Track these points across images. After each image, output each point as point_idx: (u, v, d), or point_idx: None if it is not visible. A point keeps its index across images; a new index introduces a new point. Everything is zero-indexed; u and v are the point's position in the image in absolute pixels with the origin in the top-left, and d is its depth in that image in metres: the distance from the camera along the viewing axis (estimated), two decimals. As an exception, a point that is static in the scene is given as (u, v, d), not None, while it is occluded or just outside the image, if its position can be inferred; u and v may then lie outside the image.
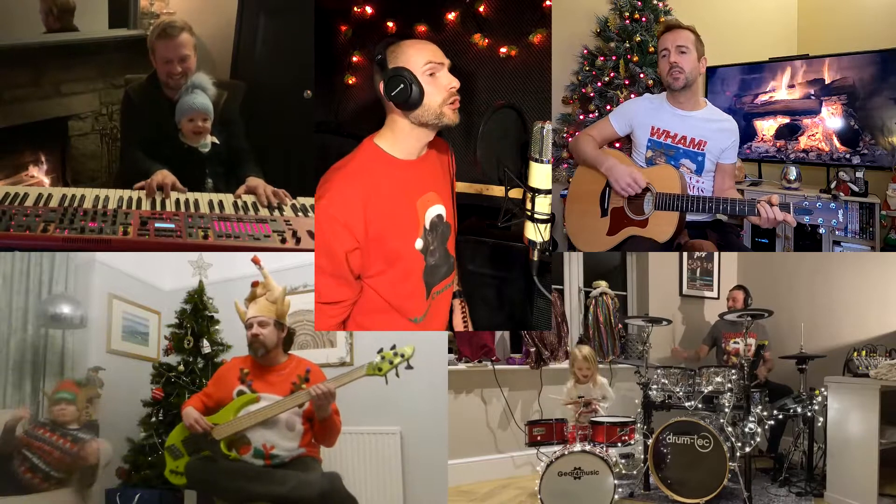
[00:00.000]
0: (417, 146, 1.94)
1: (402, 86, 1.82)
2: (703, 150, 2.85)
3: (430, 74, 1.85)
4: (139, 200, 2.60)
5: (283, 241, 2.46)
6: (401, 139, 1.91)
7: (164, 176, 2.67)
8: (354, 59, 3.57)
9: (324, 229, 1.81)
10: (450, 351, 3.84)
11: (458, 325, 2.37)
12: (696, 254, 4.98)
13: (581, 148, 2.96)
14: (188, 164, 2.77)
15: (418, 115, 1.86)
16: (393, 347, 2.41)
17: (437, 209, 2.01)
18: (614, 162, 2.82)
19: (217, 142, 2.88)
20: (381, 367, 2.40)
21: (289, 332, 2.73)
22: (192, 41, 2.87)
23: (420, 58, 1.85)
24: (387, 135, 1.93)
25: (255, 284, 2.73)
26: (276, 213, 2.67)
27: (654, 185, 2.74)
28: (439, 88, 1.86)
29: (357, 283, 1.92)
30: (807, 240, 4.10)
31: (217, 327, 3.32)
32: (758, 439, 3.36)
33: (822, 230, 2.55)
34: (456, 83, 1.88)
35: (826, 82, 4.17)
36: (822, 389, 3.51)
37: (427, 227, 1.97)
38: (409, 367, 2.41)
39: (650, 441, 3.38)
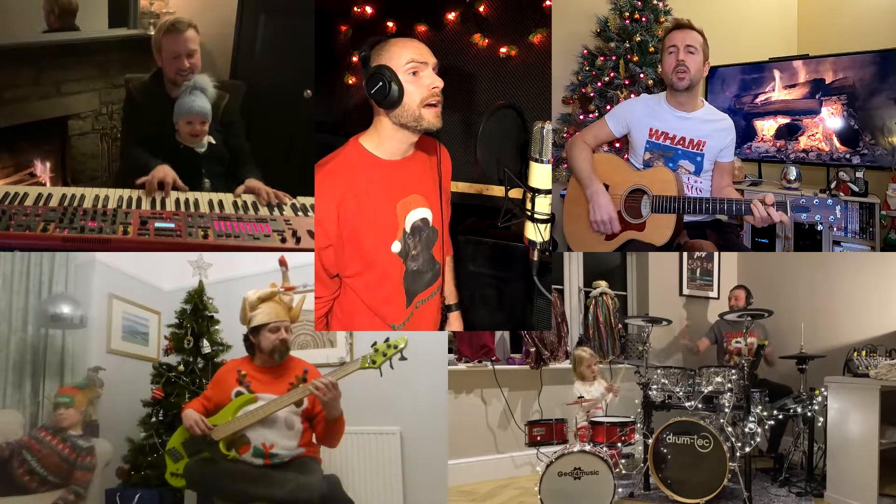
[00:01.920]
0: (401, 147, 1.90)
1: (381, 83, 1.78)
2: (702, 150, 2.84)
3: (413, 73, 1.80)
4: (139, 200, 2.60)
5: (283, 240, 2.46)
6: (385, 139, 1.88)
7: (164, 173, 2.66)
8: (354, 59, 3.57)
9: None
10: (450, 351, 3.84)
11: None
12: (696, 254, 4.98)
13: (574, 159, 2.94)
14: (184, 164, 2.77)
15: (398, 114, 1.82)
16: (386, 340, 2.41)
17: (422, 212, 1.95)
18: (599, 189, 2.81)
19: (213, 142, 2.87)
20: (375, 360, 2.40)
21: None
22: (198, 39, 2.88)
23: (402, 56, 1.80)
24: (372, 134, 1.89)
25: (289, 290, 2.71)
26: (276, 212, 2.67)
27: (651, 188, 2.74)
28: (420, 87, 1.80)
29: (332, 282, 1.92)
30: (807, 240, 4.09)
31: (217, 327, 3.32)
32: (758, 439, 3.36)
33: (820, 227, 2.55)
34: (439, 83, 1.82)
35: (826, 82, 4.17)
36: (822, 389, 3.51)
37: (407, 230, 1.92)
38: (403, 357, 2.41)
39: (650, 441, 3.38)
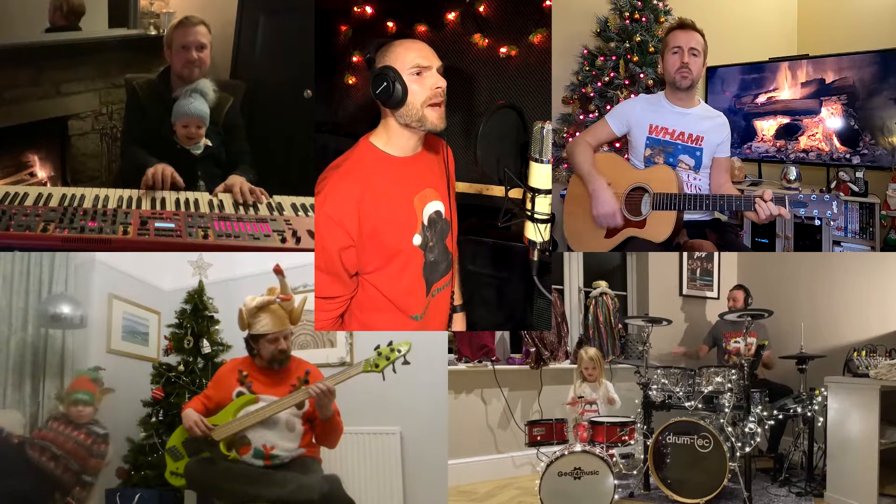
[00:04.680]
0: (410, 144, 1.94)
1: (385, 84, 1.82)
2: (700, 145, 2.88)
3: (417, 74, 1.84)
4: (139, 200, 2.59)
5: (283, 240, 2.46)
6: (393, 138, 1.92)
7: (163, 170, 2.65)
8: (354, 59, 3.58)
9: (319, 227, 1.84)
10: (450, 351, 3.84)
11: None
12: (696, 254, 4.98)
13: (576, 158, 2.97)
14: (180, 165, 2.76)
15: (402, 114, 1.86)
16: (389, 343, 2.41)
17: (436, 205, 2.01)
18: (601, 186, 2.83)
19: (210, 144, 2.87)
20: (378, 364, 2.40)
21: None
22: (209, 36, 2.88)
23: (407, 57, 1.84)
24: (381, 133, 1.93)
25: (286, 300, 2.69)
26: (276, 212, 2.66)
27: (652, 186, 2.75)
28: (424, 87, 1.84)
29: (352, 281, 1.93)
30: (807, 240, 4.10)
31: (217, 327, 3.32)
32: (758, 439, 3.36)
33: (818, 221, 2.59)
34: (442, 83, 1.86)
35: (826, 82, 4.17)
36: (822, 389, 3.51)
37: (425, 222, 1.97)
38: (406, 362, 2.41)
39: (650, 441, 3.38)
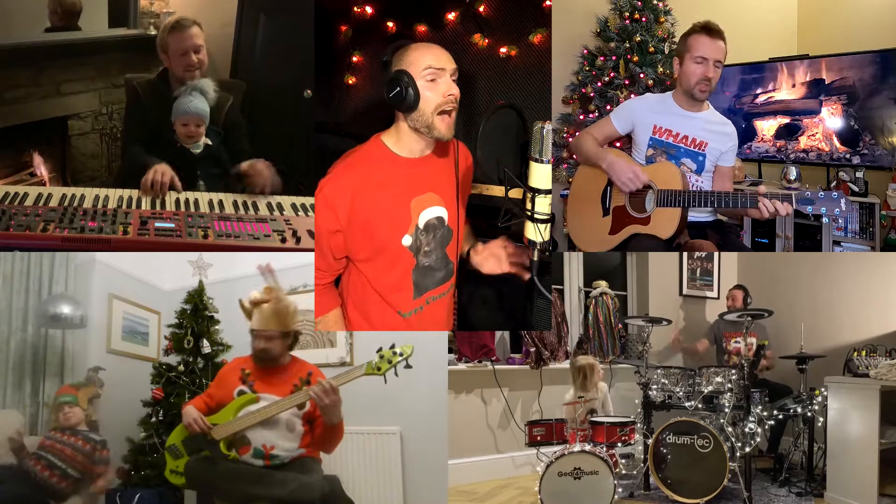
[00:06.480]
0: (418, 147, 1.97)
1: (398, 88, 1.85)
2: (703, 150, 2.85)
3: (431, 80, 1.87)
4: (139, 200, 2.60)
5: (283, 240, 2.46)
6: (403, 139, 1.96)
7: (162, 173, 2.66)
8: (354, 59, 3.57)
9: (317, 205, 1.92)
10: (450, 351, 3.84)
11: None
12: (696, 254, 4.98)
13: (582, 146, 2.95)
14: (180, 164, 2.77)
15: (414, 119, 1.90)
16: (392, 347, 2.41)
17: (436, 211, 2.01)
18: (615, 158, 2.81)
19: (210, 143, 2.87)
20: (381, 367, 2.40)
21: (295, 334, 2.70)
22: (204, 36, 2.89)
23: (422, 62, 1.87)
24: (392, 133, 1.97)
25: (269, 291, 2.69)
26: (276, 212, 2.67)
27: (656, 183, 2.74)
28: (437, 94, 1.87)
29: (336, 262, 2.00)
30: (807, 240, 4.10)
31: (217, 327, 3.32)
32: (758, 439, 3.36)
33: (825, 219, 2.58)
34: (455, 91, 1.89)
35: (826, 82, 4.17)
36: (822, 389, 3.51)
37: (420, 226, 1.98)
38: (408, 366, 2.41)
39: (650, 441, 3.38)
